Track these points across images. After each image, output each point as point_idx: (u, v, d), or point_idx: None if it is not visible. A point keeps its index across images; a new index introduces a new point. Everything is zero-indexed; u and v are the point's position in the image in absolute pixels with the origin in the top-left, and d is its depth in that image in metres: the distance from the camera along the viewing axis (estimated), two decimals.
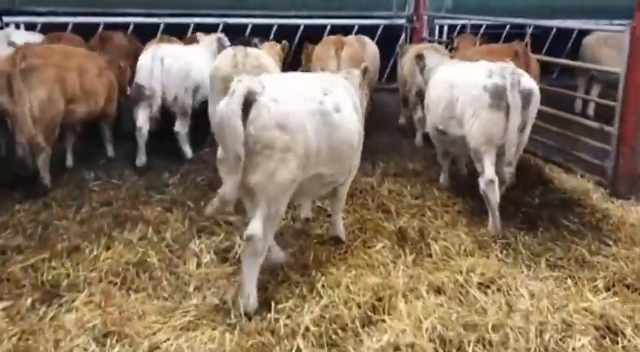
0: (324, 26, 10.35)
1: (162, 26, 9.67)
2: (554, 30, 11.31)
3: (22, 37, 7.95)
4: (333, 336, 3.58)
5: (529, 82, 5.09)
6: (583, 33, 10.24)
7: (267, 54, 6.50)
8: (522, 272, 4.43)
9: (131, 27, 9.54)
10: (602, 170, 6.35)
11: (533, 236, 5.08)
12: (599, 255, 4.74)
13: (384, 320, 3.71)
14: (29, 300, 3.92)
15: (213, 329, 3.66)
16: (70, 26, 9.25)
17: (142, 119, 6.74)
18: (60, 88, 5.86)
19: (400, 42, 10.62)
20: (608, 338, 3.62)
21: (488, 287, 4.16)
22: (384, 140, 7.77)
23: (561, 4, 12.58)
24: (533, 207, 5.72)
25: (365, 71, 5.04)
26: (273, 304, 3.82)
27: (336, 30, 9.68)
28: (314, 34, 9.38)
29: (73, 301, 3.93)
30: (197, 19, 9.99)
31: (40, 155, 5.82)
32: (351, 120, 4.21)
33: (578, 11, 12.32)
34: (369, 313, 3.78)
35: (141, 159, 6.80)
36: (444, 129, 5.63)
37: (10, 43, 7.12)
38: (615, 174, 6.12)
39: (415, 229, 5.10)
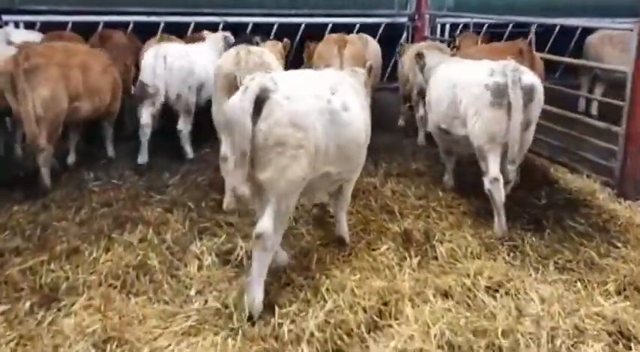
0: (326, 25, 10.25)
1: (162, 25, 9.57)
2: (557, 28, 11.22)
3: (21, 36, 7.88)
4: (339, 342, 3.49)
5: (531, 79, 5.03)
6: (586, 31, 10.15)
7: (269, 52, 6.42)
8: (530, 275, 4.35)
9: (131, 26, 9.44)
10: (608, 170, 6.27)
11: (540, 237, 4.99)
12: (609, 258, 4.66)
13: (390, 326, 3.63)
14: (27, 304, 3.83)
15: (216, 334, 3.57)
16: (69, 25, 9.15)
17: (146, 117, 6.74)
18: (63, 86, 5.82)
19: (402, 41, 10.53)
20: (621, 344, 3.54)
21: (496, 290, 4.08)
22: (386, 139, 7.69)
23: (563, 3, 12.48)
24: (539, 208, 5.63)
25: (370, 69, 5.00)
26: (276, 308, 3.74)
27: (337, 29, 9.58)
28: (315, 33, 9.27)
29: (72, 305, 3.84)
30: (197, 18, 9.89)
31: (42, 154, 5.76)
32: (358, 119, 4.18)
33: (579, 9, 12.24)
34: (375, 318, 3.70)
35: (143, 157, 6.78)
36: (448, 128, 5.57)
37: (9, 43, 7.03)
38: (622, 174, 6.03)
39: (420, 231, 5.01)
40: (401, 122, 8.81)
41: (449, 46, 9.02)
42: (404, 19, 11.17)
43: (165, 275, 4.26)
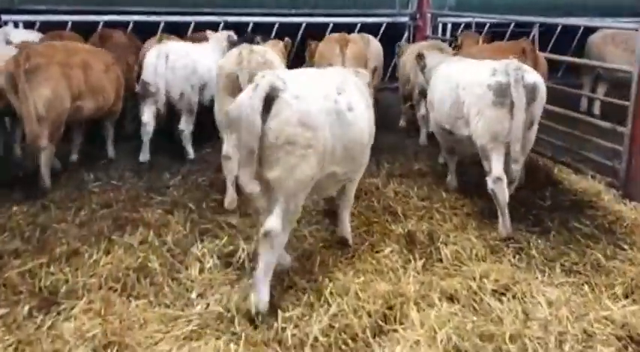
0: (327, 24, 10.19)
1: (162, 24, 9.51)
2: (559, 27, 11.17)
3: (20, 35, 7.83)
4: (343, 347, 3.43)
5: (533, 77, 5.01)
6: (588, 31, 10.09)
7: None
8: (537, 278, 4.28)
9: (131, 25, 9.38)
10: (613, 171, 6.21)
11: (545, 239, 4.93)
12: (615, 260, 4.59)
13: (396, 330, 3.56)
14: (26, 308, 3.76)
15: (218, 338, 3.50)
16: (69, 24, 9.10)
17: (148, 115, 6.77)
18: (65, 86, 5.80)
19: (400, 42, 10.45)
20: (630, 349, 3.47)
21: (502, 294, 4.01)
22: (387, 140, 7.63)
23: (565, 2, 12.42)
24: (544, 209, 5.58)
25: (374, 71, 5.02)
26: (279, 312, 3.67)
27: (338, 28, 9.53)
28: (316, 33, 9.22)
29: (72, 309, 3.77)
30: (198, 18, 9.84)
31: (43, 153, 5.72)
32: (362, 119, 4.17)
33: (580, 9, 12.19)
34: (380, 322, 3.63)
35: (144, 155, 6.82)
36: (451, 129, 5.53)
37: (8, 42, 6.98)
38: (628, 175, 5.96)
39: (424, 233, 4.95)
40: (402, 122, 8.76)
41: (450, 45, 8.97)
42: (405, 19, 11.12)
43: (166, 277, 4.19)
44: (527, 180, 5.92)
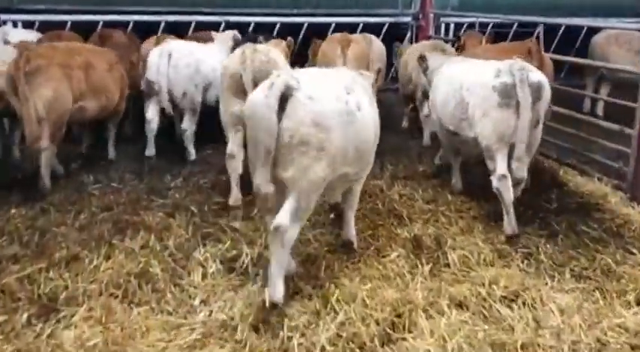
0: (329, 24, 10.10)
1: (162, 24, 9.42)
2: (562, 28, 11.10)
3: (19, 35, 7.75)
4: None
5: (538, 76, 4.98)
6: (591, 31, 10.02)
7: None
8: (546, 283, 4.19)
9: (131, 25, 9.29)
10: (619, 173, 6.15)
11: (554, 244, 4.84)
12: (625, 265, 4.50)
13: (405, 339, 3.47)
14: (25, 315, 3.67)
15: (222, 347, 3.43)
16: (68, 24, 9.01)
17: (152, 112, 6.80)
18: (67, 86, 5.77)
19: (400, 42, 10.38)
20: None
21: (512, 300, 3.92)
22: (391, 141, 7.53)
23: (568, 2, 12.35)
24: (551, 212, 5.50)
25: (378, 73, 5.02)
26: (285, 321, 3.58)
27: (340, 28, 9.44)
28: (318, 33, 9.14)
29: (72, 316, 3.67)
30: (198, 17, 9.77)
31: (44, 154, 5.68)
32: (370, 118, 4.15)
33: (583, 9, 12.12)
34: (389, 330, 3.54)
35: (150, 150, 6.92)
36: (455, 129, 5.49)
37: (6, 42, 6.91)
38: (635, 177, 5.88)
39: (431, 237, 4.86)
40: (405, 123, 8.68)
41: (453, 45, 8.89)
42: (408, 19, 11.06)
43: (168, 283, 4.10)
44: (532, 182, 5.84)
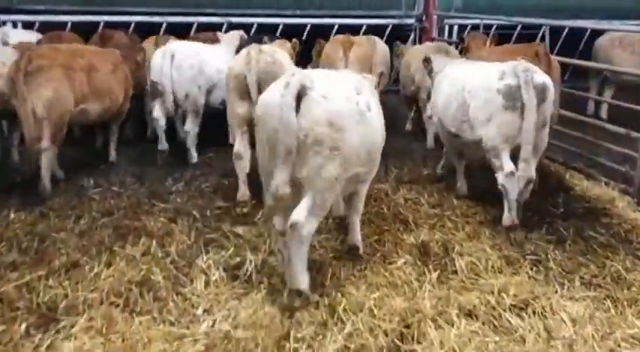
0: (332, 26, 10.02)
1: (164, 25, 9.34)
2: (566, 30, 11.01)
3: (19, 36, 7.67)
4: None
5: (542, 77, 4.98)
6: (595, 33, 9.93)
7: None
8: (556, 291, 4.11)
9: (132, 26, 9.20)
10: (625, 177, 6.08)
11: (562, 250, 4.76)
12: (635, 272, 4.42)
13: (414, 351, 3.39)
14: (24, 326, 3.58)
15: None
16: (68, 25, 8.93)
17: (158, 110, 6.74)
18: (68, 88, 5.75)
19: (407, 44, 10.31)
20: None
21: (522, 309, 3.84)
22: (394, 143, 7.40)
23: (571, 4, 12.27)
24: (558, 217, 5.42)
25: (381, 76, 5.04)
26: (291, 332, 3.48)
27: (343, 29, 9.37)
28: (321, 34, 9.08)
29: (72, 326, 3.59)
30: (201, 18, 9.69)
31: (44, 154, 5.65)
32: (377, 119, 4.15)
33: (586, 11, 12.03)
34: (397, 342, 3.45)
35: (162, 144, 6.88)
36: (457, 132, 5.47)
37: (5, 43, 6.83)
38: None
39: (437, 243, 4.78)
40: (408, 126, 8.60)
41: (457, 47, 8.80)
42: (411, 20, 10.99)
43: (170, 292, 4.01)
44: (538, 186, 5.76)
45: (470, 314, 3.76)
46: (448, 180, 6.24)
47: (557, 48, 10.72)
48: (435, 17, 10.65)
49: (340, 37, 8.09)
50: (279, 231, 3.94)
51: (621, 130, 6.28)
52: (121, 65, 6.55)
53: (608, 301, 4.01)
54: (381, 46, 8.62)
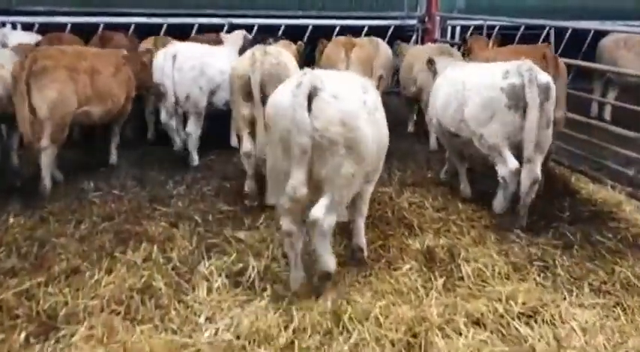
0: (334, 27, 9.95)
1: (165, 27, 9.27)
2: (569, 31, 10.94)
3: (18, 37, 7.61)
4: None
5: (546, 77, 4.99)
6: (598, 34, 9.86)
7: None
8: (565, 298, 4.04)
9: (132, 27, 9.13)
10: (632, 180, 6.03)
11: (569, 255, 4.69)
12: None
13: None
14: (23, 334, 3.51)
15: None
16: (68, 26, 8.86)
17: (164, 115, 6.65)
18: (72, 89, 5.75)
19: (410, 45, 10.22)
20: None
21: (530, 316, 3.77)
22: (397, 145, 7.30)
23: (573, 5, 12.19)
24: (564, 221, 5.35)
25: (380, 78, 4.95)
26: (296, 342, 3.41)
27: (345, 31, 9.30)
28: (323, 35, 9.00)
29: (72, 335, 3.52)
30: (201, 20, 9.62)
31: (44, 153, 5.64)
32: (383, 118, 4.20)
33: (585, 12, 11.96)
34: None
35: (177, 144, 6.74)
36: (456, 131, 5.46)
37: (4, 45, 6.76)
38: None
39: (443, 248, 4.70)
40: (410, 128, 8.53)
41: (459, 48, 8.73)
42: (414, 21, 10.91)
43: (172, 299, 3.94)
44: (544, 189, 5.68)
45: (478, 323, 3.69)
46: (452, 183, 6.17)
47: (560, 49, 10.66)
48: (438, 18, 10.57)
49: (342, 38, 8.03)
50: (285, 232, 3.90)
51: (630, 134, 6.20)
52: (123, 66, 6.49)
53: (618, 308, 3.94)
54: (383, 48, 8.55)
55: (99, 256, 4.48)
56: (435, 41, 10.04)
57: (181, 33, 8.53)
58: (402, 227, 5.15)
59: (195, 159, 6.77)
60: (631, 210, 5.59)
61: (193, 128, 6.68)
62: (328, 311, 3.75)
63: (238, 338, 3.52)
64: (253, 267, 4.30)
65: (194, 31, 9.25)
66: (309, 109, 3.62)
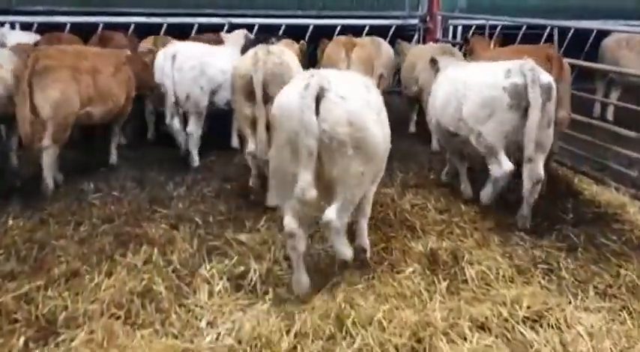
0: (334, 26, 9.90)
1: (164, 26, 9.22)
2: (572, 31, 10.89)
3: (17, 37, 7.56)
4: None
5: (548, 77, 4.98)
6: (601, 34, 9.81)
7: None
8: (570, 302, 3.99)
9: (132, 27, 9.09)
10: (634, 182, 5.99)
11: (574, 258, 4.64)
12: None
13: None
14: (22, 339, 3.47)
15: None
16: (67, 26, 8.81)
17: (169, 117, 6.60)
18: (75, 89, 5.74)
19: (412, 43, 10.18)
20: None
21: (535, 321, 3.72)
22: (398, 146, 7.23)
23: (574, 4, 12.15)
24: (567, 223, 5.30)
25: (380, 78, 4.91)
26: (299, 347, 3.36)
27: (346, 30, 9.25)
28: (324, 35, 8.96)
29: (72, 340, 3.47)
30: (201, 19, 9.57)
31: (45, 153, 5.63)
32: (386, 117, 4.19)
33: (587, 11, 11.92)
34: None
35: (182, 147, 6.71)
36: (455, 130, 5.42)
37: (3, 45, 6.71)
38: None
39: (446, 251, 4.65)
40: (412, 128, 8.48)
41: (461, 48, 8.68)
42: (415, 21, 10.87)
43: (172, 303, 3.89)
44: (547, 191, 5.65)
45: (482, 327, 3.64)
46: (454, 185, 6.12)
47: (562, 49, 10.61)
48: (439, 18, 10.53)
49: (342, 37, 7.98)
50: (288, 233, 3.86)
51: (632, 134, 6.17)
52: (124, 66, 6.45)
53: (624, 312, 3.90)
54: (385, 47, 8.52)
55: (99, 259, 4.44)
56: (436, 41, 10.01)
57: (181, 33, 8.48)
58: (404, 229, 5.10)
59: (195, 159, 6.73)
60: (635, 211, 5.54)
61: (194, 128, 6.64)
62: (331, 315, 3.69)
63: (240, 342, 3.48)
64: (255, 270, 4.26)
65: (194, 31, 9.20)
66: (317, 111, 3.60)
